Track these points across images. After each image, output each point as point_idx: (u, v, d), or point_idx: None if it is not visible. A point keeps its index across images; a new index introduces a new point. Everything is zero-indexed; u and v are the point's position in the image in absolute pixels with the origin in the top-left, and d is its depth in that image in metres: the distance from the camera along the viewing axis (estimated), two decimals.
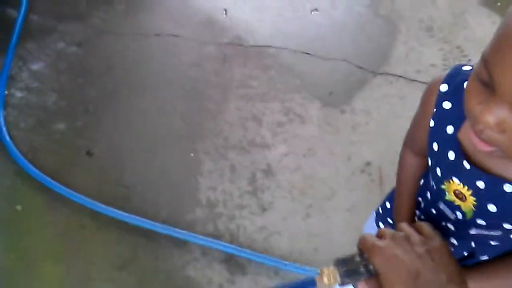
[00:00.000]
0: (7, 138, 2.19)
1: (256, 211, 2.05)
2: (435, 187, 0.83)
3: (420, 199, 0.96)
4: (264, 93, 2.42)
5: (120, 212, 1.95)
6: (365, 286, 0.62)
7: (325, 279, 0.62)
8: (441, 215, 0.84)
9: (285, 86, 2.44)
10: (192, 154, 2.22)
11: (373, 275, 0.61)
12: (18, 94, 2.37)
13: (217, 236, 1.97)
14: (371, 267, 0.61)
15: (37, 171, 2.07)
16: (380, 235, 0.65)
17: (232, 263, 1.89)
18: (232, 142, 2.26)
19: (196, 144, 2.25)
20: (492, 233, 0.77)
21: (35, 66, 2.46)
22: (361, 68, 2.51)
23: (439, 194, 0.82)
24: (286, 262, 1.86)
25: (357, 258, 0.63)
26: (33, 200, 2.04)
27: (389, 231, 0.65)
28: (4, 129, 2.23)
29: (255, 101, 2.39)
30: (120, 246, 1.93)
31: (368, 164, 2.16)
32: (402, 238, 0.62)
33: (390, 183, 2.13)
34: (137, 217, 1.94)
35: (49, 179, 2.04)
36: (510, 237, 0.76)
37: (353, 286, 0.64)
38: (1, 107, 2.30)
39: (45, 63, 2.48)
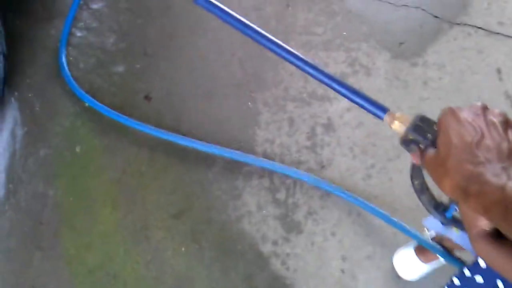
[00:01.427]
0: (70, 78, 2.19)
1: (314, 167, 1.97)
2: None
3: None
4: (328, 41, 2.27)
5: (189, 138, 1.94)
6: (418, 155, 0.59)
7: (396, 122, 0.60)
8: None
9: (352, 34, 2.27)
10: (250, 104, 2.15)
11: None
12: (78, 33, 2.35)
13: (272, 190, 1.92)
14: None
15: (104, 106, 2.06)
16: None
17: (288, 220, 1.84)
18: (292, 93, 2.16)
19: (255, 94, 2.16)
20: None
21: (95, 6, 2.42)
22: (436, 17, 2.28)
23: None
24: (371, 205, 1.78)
25: (436, 127, 0.58)
26: (91, 143, 2.06)
27: None
28: (67, 69, 2.22)
29: (318, 50, 2.25)
30: (176, 194, 1.92)
31: None
32: (479, 106, 0.56)
33: None
34: (208, 144, 1.93)
35: (119, 113, 2.04)
36: None
37: (409, 150, 0.60)
38: (64, 46, 2.29)
39: (105, 3, 2.43)
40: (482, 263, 0.95)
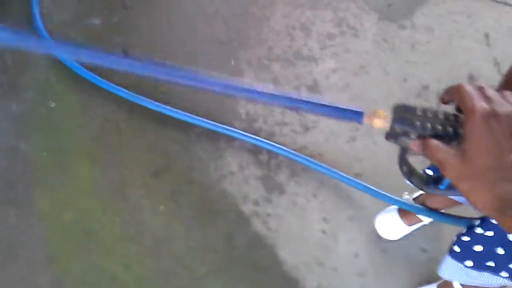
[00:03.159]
0: (44, 31, 2.07)
1: (298, 129, 1.93)
2: None
3: None
4: (315, 0, 2.19)
5: (163, 105, 1.84)
6: (417, 144, 0.53)
7: (376, 121, 0.56)
8: None
9: None
10: (232, 63, 2.08)
11: (422, 135, 0.53)
12: None
13: (254, 152, 1.88)
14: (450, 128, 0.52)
15: (76, 64, 1.96)
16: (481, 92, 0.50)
17: (270, 181, 1.81)
18: (276, 53, 2.09)
19: (238, 52, 2.09)
20: None
21: None
22: None
23: None
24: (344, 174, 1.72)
25: (420, 113, 0.54)
26: (67, 99, 1.97)
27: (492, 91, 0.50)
28: (40, 21, 2.10)
29: (304, 8, 2.18)
30: (155, 153, 1.86)
31: (425, 88, 1.98)
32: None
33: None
34: (181, 111, 1.83)
35: (90, 72, 1.93)
36: None
37: (400, 143, 0.56)
38: None
39: None
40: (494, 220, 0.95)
